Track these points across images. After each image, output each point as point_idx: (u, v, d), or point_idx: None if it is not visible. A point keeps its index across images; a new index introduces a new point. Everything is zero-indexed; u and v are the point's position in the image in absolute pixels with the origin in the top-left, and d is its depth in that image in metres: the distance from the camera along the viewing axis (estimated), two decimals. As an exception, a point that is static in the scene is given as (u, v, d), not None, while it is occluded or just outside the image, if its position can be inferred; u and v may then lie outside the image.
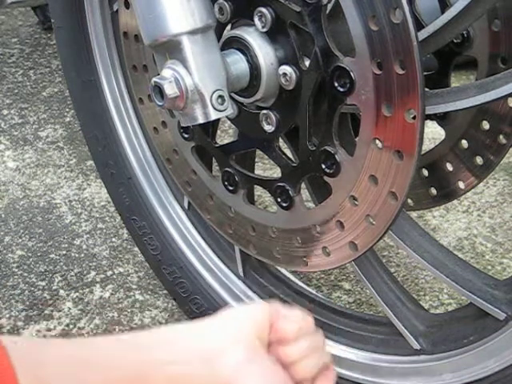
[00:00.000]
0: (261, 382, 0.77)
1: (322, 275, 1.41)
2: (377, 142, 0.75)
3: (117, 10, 1.05)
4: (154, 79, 0.78)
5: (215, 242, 1.18)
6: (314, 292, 1.12)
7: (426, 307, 1.02)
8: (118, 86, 1.20)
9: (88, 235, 1.55)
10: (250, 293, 1.13)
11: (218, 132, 1.72)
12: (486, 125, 1.05)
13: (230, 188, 0.94)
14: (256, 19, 0.81)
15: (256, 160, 1.05)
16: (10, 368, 0.61)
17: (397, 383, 0.95)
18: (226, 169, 0.94)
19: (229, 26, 0.86)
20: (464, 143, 1.08)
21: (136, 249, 1.36)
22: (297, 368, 0.80)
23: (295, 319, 0.82)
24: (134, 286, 1.41)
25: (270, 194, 0.90)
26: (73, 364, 0.69)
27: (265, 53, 0.81)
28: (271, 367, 0.78)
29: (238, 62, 0.82)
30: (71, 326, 1.32)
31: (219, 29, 0.83)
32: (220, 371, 0.76)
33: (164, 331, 0.81)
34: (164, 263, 1.23)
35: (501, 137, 1.04)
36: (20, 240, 1.53)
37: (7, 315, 1.34)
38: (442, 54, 1.04)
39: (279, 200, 0.88)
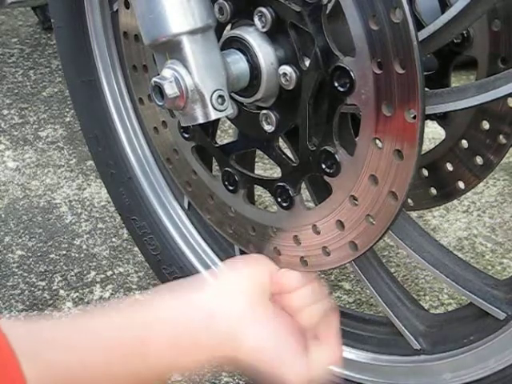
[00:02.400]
0: (263, 329, 0.78)
1: (322, 275, 1.41)
2: (377, 141, 0.75)
3: (117, 10, 1.05)
4: (154, 79, 0.78)
5: (215, 242, 1.18)
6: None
7: (426, 307, 1.02)
8: (117, 86, 1.20)
9: (88, 235, 1.55)
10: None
11: (218, 132, 1.72)
12: (485, 125, 1.05)
13: (230, 188, 0.94)
14: (256, 19, 0.81)
15: (256, 160, 1.05)
16: (13, 357, 0.61)
17: (397, 383, 0.95)
18: (226, 169, 0.94)
19: (229, 26, 0.86)
20: (464, 143, 1.08)
21: (136, 249, 1.36)
22: (300, 316, 0.82)
23: (293, 271, 0.83)
24: (134, 286, 1.41)
25: (270, 194, 0.90)
26: (72, 336, 0.69)
27: (265, 53, 0.81)
28: (274, 315, 0.79)
29: (238, 62, 0.82)
30: (71, 326, 1.31)
31: (219, 29, 0.82)
32: (220, 323, 0.76)
33: (163, 290, 0.82)
34: (164, 263, 1.23)
35: (501, 137, 1.04)
36: (20, 240, 1.53)
37: (7, 315, 1.34)
38: (442, 53, 1.04)
39: (279, 200, 0.88)
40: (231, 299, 0.78)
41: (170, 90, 0.77)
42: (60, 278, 1.43)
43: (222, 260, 1.18)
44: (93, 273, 1.45)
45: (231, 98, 0.84)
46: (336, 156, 0.80)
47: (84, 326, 0.71)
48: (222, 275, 0.83)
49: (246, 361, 0.78)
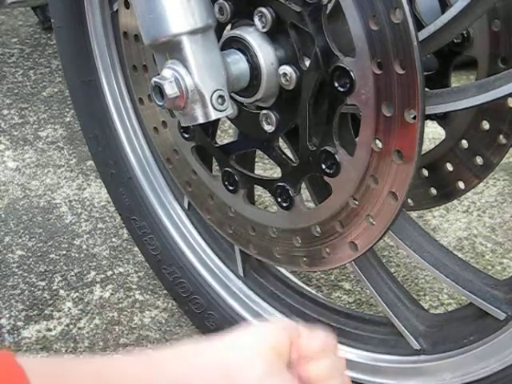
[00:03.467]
0: None
1: (322, 275, 1.41)
2: (377, 141, 0.75)
3: (117, 10, 1.05)
4: (154, 79, 0.78)
5: (215, 241, 1.18)
6: (313, 292, 1.12)
7: (426, 307, 1.02)
8: (117, 86, 1.20)
9: (88, 235, 1.55)
10: (249, 293, 1.13)
11: (218, 132, 1.72)
12: (485, 125, 1.05)
13: (230, 188, 0.94)
14: (256, 19, 0.81)
15: (256, 160, 1.05)
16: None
17: (397, 383, 0.95)
18: (226, 169, 0.94)
19: (229, 26, 0.86)
20: (464, 143, 1.08)
21: (136, 249, 1.36)
22: None
23: (318, 338, 0.80)
24: (134, 286, 1.41)
25: (270, 194, 0.90)
26: (89, 381, 0.68)
27: (265, 53, 0.81)
28: (291, 383, 0.78)
29: (238, 62, 0.82)
30: (71, 326, 1.32)
31: (219, 29, 0.83)
32: None
33: (183, 347, 0.80)
34: (164, 263, 1.23)
35: (501, 137, 1.04)
36: (20, 240, 1.53)
37: (7, 315, 1.34)
38: (442, 53, 1.04)
39: (279, 200, 0.88)
40: (251, 362, 0.76)
41: (170, 89, 0.77)
42: (60, 278, 1.43)
43: (221, 260, 1.18)
44: (93, 273, 1.45)
45: (231, 98, 0.84)
46: (336, 156, 0.80)
47: (109, 374, 0.71)
48: (242, 334, 0.81)
49: None
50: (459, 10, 0.75)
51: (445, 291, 1.37)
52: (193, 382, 0.73)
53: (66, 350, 1.27)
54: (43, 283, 1.42)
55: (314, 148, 0.82)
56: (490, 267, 1.42)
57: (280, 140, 0.88)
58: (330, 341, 0.82)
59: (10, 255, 1.49)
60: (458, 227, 1.54)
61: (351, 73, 0.74)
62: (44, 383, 0.63)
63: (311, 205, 0.90)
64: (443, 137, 1.11)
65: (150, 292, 1.40)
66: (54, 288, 1.41)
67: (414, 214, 1.52)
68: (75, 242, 1.53)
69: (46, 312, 1.35)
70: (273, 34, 0.81)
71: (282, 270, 1.14)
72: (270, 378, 0.75)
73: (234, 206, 0.96)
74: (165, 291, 1.34)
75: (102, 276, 1.44)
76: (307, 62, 0.79)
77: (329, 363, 0.80)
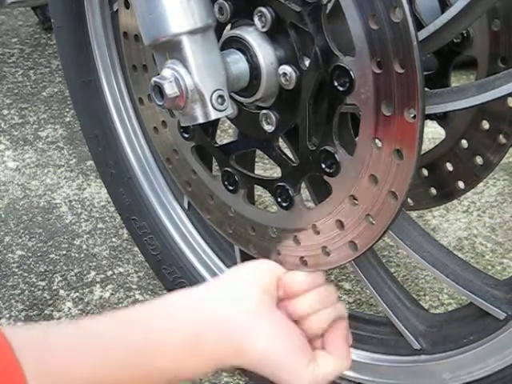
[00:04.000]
0: (271, 336, 0.76)
1: (322, 275, 1.41)
2: (377, 141, 0.75)
3: (117, 10, 1.05)
4: (154, 79, 0.78)
5: (215, 242, 1.18)
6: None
7: (426, 307, 1.02)
8: (117, 86, 1.20)
9: (88, 235, 1.55)
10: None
11: (218, 132, 1.72)
12: (485, 125, 1.05)
13: (230, 188, 0.94)
14: (256, 19, 0.81)
15: (256, 160, 1.05)
16: (15, 361, 0.61)
17: (397, 383, 0.95)
18: (226, 169, 0.94)
19: (229, 26, 0.86)
20: (464, 143, 1.08)
21: (136, 249, 1.36)
22: (307, 323, 0.79)
23: (303, 273, 0.81)
24: (134, 286, 1.41)
25: (270, 194, 0.90)
26: (78, 340, 0.68)
27: (265, 52, 0.81)
28: (281, 322, 0.77)
29: (238, 62, 0.82)
30: (71, 326, 1.31)
31: (219, 29, 0.82)
32: (228, 330, 0.75)
33: (169, 299, 0.80)
34: (164, 263, 1.23)
35: (501, 137, 1.04)
36: (20, 240, 1.53)
37: (7, 315, 1.34)
38: (441, 53, 1.04)
39: (279, 200, 0.88)
40: (240, 305, 0.77)
41: (170, 89, 0.77)
42: (60, 278, 1.43)
43: (221, 260, 1.18)
44: (93, 273, 1.45)
45: (231, 97, 0.84)
46: (336, 156, 0.80)
47: (91, 331, 0.70)
48: (230, 280, 0.81)
49: (252, 367, 0.77)
50: (459, 10, 0.75)
51: (445, 291, 1.37)
52: (186, 330, 0.74)
53: (65, 350, 1.26)
54: (43, 283, 1.42)
55: (314, 148, 0.82)
56: (490, 267, 1.42)
57: (280, 140, 0.88)
58: (315, 275, 0.82)
59: (9, 255, 1.49)
60: (457, 227, 1.54)
61: (351, 72, 0.74)
62: (27, 352, 0.63)
63: (311, 205, 0.90)
64: (443, 137, 1.11)
65: (149, 292, 1.40)
66: (53, 288, 1.41)
67: (413, 214, 1.52)
68: (75, 242, 1.53)
69: (45, 312, 1.35)
70: (272, 34, 0.81)
71: (282, 270, 1.14)
72: (260, 319, 0.76)
73: (233, 206, 0.96)
74: (165, 291, 1.34)
75: (102, 276, 1.44)
76: (307, 62, 0.79)
77: (315, 296, 0.80)
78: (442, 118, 1.09)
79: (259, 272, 0.81)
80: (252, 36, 0.82)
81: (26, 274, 1.44)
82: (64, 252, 1.50)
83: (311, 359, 0.78)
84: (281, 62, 0.81)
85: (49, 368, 0.64)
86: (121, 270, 1.45)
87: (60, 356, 0.66)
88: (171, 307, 0.77)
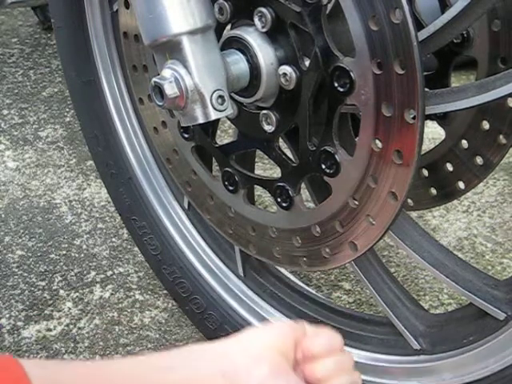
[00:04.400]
0: None
1: (322, 275, 1.42)
2: (377, 141, 0.75)
3: (117, 10, 1.05)
4: (154, 79, 0.78)
5: (215, 242, 1.18)
6: (313, 292, 1.12)
7: (426, 307, 1.02)
8: (117, 86, 1.20)
9: (88, 235, 1.55)
10: (249, 293, 1.13)
11: (218, 132, 1.72)
12: (485, 125, 1.05)
13: (230, 188, 0.94)
14: (256, 19, 0.81)
15: (256, 160, 1.05)
16: None
17: (397, 383, 0.95)
18: (226, 169, 0.94)
19: (229, 26, 0.86)
20: (464, 143, 1.08)
21: (136, 249, 1.36)
22: None
23: (322, 337, 0.80)
24: (134, 286, 1.41)
25: (270, 194, 0.90)
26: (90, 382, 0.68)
27: (265, 53, 0.81)
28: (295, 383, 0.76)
29: (238, 62, 0.82)
30: (71, 326, 1.32)
31: (219, 29, 0.82)
32: None
33: (186, 350, 0.79)
34: (164, 263, 1.23)
35: (501, 137, 1.04)
36: (20, 240, 1.53)
37: (7, 315, 1.34)
38: (442, 53, 1.04)
39: (279, 200, 0.88)
40: (256, 364, 0.75)
41: (170, 90, 0.77)
42: (60, 278, 1.43)
43: (221, 260, 1.18)
44: (93, 273, 1.45)
45: (231, 98, 0.84)
46: (336, 156, 0.80)
47: (102, 375, 0.70)
48: (247, 336, 0.81)
49: None
50: (459, 10, 0.75)
51: (445, 291, 1.37)
52: None
53: (65, 350, 1.27)
54: (43, 283, 1.42)
55: (314, 148, 0.82)
56: (490, 267, 1.42)
57: (280, 140, 0.88)
58: (335, 339, 0.82)
59: (9, 255, 1.49)
60: (458, 227, 1.54)
61: (351, 73, 0.74)
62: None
63: (311, 205, 0.90)
64: (443, 137, 1.11)
65: (149, 292, 1.40)
66: (54, 288, 1.41)
67: (414, 214, 1.52)
68: (75, 242, 1.53)
69: (46, 312, 1.35)
70: (273, 34, 0.81)
71: (282, 270, 1.14)
72: (274, 380, 0.75)
73: (233, 206, 0.96)
74: (165, 291, 1.34)
75: (102, 276, 1.44)
76: (307, 62, 0.79)
77: (334, 362, 0.79)
78: (442, 119, 1.09)
79: (278, 333, 0.80)
80: (252, 36, 0.82)
81: (26, 274, 1.44)
82: (64, 252, 1.50)
83: None
84: (281, 63, 0.81)
85: None
86: (121, 269, 1.45)
87: None
88: (192, 358, 0.76)
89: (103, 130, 1.23)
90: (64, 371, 0.68)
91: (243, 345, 0.78)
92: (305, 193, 0.90)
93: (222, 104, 0.78)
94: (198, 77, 0.77)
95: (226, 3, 0.84)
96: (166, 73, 0.78)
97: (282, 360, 0.77)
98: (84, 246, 1.52)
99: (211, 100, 0.78)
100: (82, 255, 1.49)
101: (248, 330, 0.82)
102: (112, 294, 1.40)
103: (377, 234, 0.80)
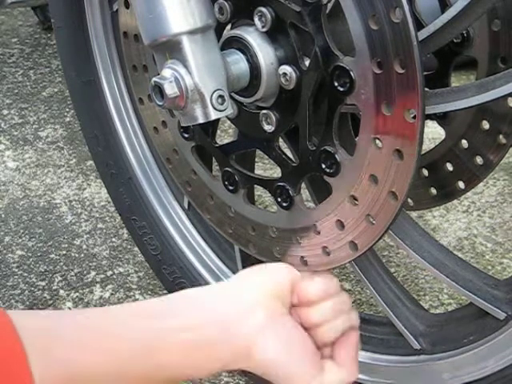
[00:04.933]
0: (280, 344, 0.75)
1: (322, 275, 1.41)
2: (377, 141, 0.75)
3: (117, 10, 1.05)
4: (154, 79, 0.78)
5: (215, 241, 1.18)
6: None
7: (426, 307, 1.02)
8: (117, 86, 1.20)
9: (88, 235, 1.55)
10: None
11: (218, 132, 1.72)
12: (485, 125, 1.05)
13: (230, 188, 0.94)
14: (256, 19, 0.81)
15: (256, 160, 1.05)
16: (21, 353, 0.60)
17: (397, 383, 0.95)
18: (226, 169, 0.94)
19: (229, 26, 0.86)
20: (464, 143, 1.08)
21: (136, 249, 1.36)
22: (318, 331, 0.78)
23: (318, 282, 0.80)
24: (134, 286, 1.41)
25: (270, 194, 0.90)
26: (86, 335, 0.68)
27: (265, 52, 0.81)
28: (292, 329, 0.76)
29: (238, 62, 0.82)
30: (71, 326, 1.31)
31: (219, 29, 0.82)
32: (237, 336, 0.74)
33: (178, 297, 0.79)
34: (164, 263, 1.23)
35: (501, 137, 1.04)
36: (20, 240, 1.53)
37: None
38: (442, 53, 1.04)
39: (279, 200, 0.88)
40: (251, 310, 0.74)
41: (170, 89, 0.77)
42: (60, 278, 1.43)
43: (221, 260, 1.18)
44: (93, 273, 1.45)
45: (231, 97, 0.84)
46: (336, 156, 0.80)
47: (102, 325, 0.70)
48: (242, 282, 0.80)
49: (259, 373, 0.76)
50: (459, 10, 0.75)
51: (445, 291, 1.37)
52: (190, 333, 0.72)
53: (65, 350, 1.26)
54: (43, 283, 1.42)
55: (314, 148, 0.82)
56: (490, 267, 1.42)
57: (280, 140, 0.88)
58: (331, 283, 0.82)
59: (9, 255, 1.49)
60: (458, 227, 1.54)
61: (351, 72, 0.74)
62: (36, 338, 0.63)
63: (311, 205, 0.90)
64: (443, 137, 1.11)
65: (149, 292, 1.40)
66: (53, 288, 1.41)
67: (414, 214, 1.52)
68: (75, 242, 1.53)
69: (45, 312, 1.35)
70: (273, 34, 0.81)
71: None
72: (270, 325, 0.75)
73: (233, 206, 0.96)
74: (165, 291, 1.34)
75: (102, 276, 1.44)
76: (307, 62, 0.79)
77: (330, 306, 0.79)
78: (442, 118, 1.09)
79: (274, 277, 0.79)
80: (252, 36, 0.82)
81: (26, 274, 1.44)
82: (64, 252, 1.50)
83: (319, 370, 0.77)
84: (281, 62, 0.81)
85: (57, 361, 0.64)
86: (121, 269, 1.45)
87: (67, 349, 0.65)
88: (185, 306, 0.76)
89: (103, 130, 1.23)
90: (60, 321, 0.68)
91: (237, 291, 0.77)
92: (305, 193, 0.90)
93: (222, 104, 0.78)
94: (198, 76, 0.77)
95: (225, 3, 0.84)
96: (166, 72, 0.78)
97: (278, 304, 0.76)
98: (84, 246, 1.52)
99: (211, 100, 0.78)
100: (82, 255, 1.49)
101: (243, 273, 0.81)
102: (112, 294, 1.40)
103: (377, 234, 0.80)
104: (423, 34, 0.77)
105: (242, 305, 0.75)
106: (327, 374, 0.78)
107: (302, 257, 0.88)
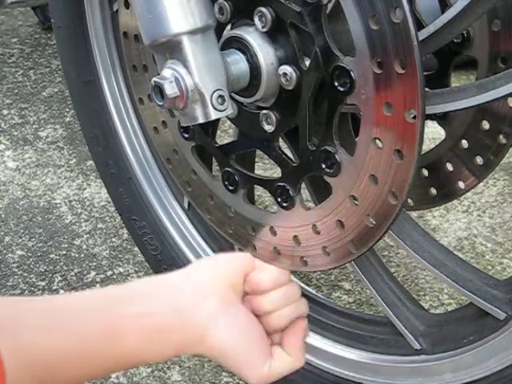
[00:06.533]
0: (231, 331, 0.79)
1: (322, 275, 1.42)
2: (377, 141, 0.75)
3: (117, 10, 1.05)
4: (154, 79, 0.78)
5: (215, 241, 1.18)
6: (313, 292, 1.12)
7: (426, 307, 1.02)
8: (117, 86, 1.20)
9: (88, 235, 1.55)
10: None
11: (218, 132, 1.72)
12: (485, 125, 1.05)
13: (230, 188, 0.94)
14: (256, 19, 0.81)
15: (256, 160, 1.05)
16: None
17: (397, 383, 0.95)
18: (226, 169, 0.94)
19: (229, 26, 0.86)
20: (464, 143, 1.08)
21: (136, 249, 1.36)
22: (269, 319, 0.83)
23: (269, 272, 0.84)
24: (134, 286, 1.41)
25: (270, 194, 0.90)
26: (50, 319, 0.70)
27: (265, 53, 0.81)
28: (244, 317, 0.81)
29: (238, 62, 0.82)
30: (71, 326, 1.31)
31: (219, 29, 0.82)
32: (193, 321, 0.78)
33: (139, 284, 0.84)
34: (164, 263, 1.23)
35: (501, 137, 1.04)
36: (20, 240, 1.53)
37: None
38: (442, 53, 1.04)
39: (279, 200, 0.88)
40: (205, 298, 0.79)
41: (170, 90, 0.77)
42: (60, 278, 1.43)
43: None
44: (93, 273, 1.45)
45: (231, 97, 0.84)
46: (336, 156, 0.80)
47: (63, 310, 0.72)
48: (198, 269, 0.84)
49: (214, 358, 0.81)
50: (459, 10, 0.75)
51: (445, 291, 1.37)
52: (150, 319, 0.75)
53: (65, 350, 1.27)
54: (43, 283, 1.42)
55: (314, 148, 0.82)
56: (490, 267, 1.42)
57: (280, 140, 0.88)
58: (282, 273, 0.86)
59: (9, 255, 1.49)
60: (458, 227, 1.54)
61: (351, 72, 0.74)
62: (2, 321, 0.65)
63: (311, 205, 0.90)
64: (443, 137, 1.11)
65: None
66: (54, 288, 1.41)
67: (414, 214, 1.52)
68: (75, 242, 1.53)
69: (45, 312, 1.35)
70: (273, 34, 0.81)
71: (282, 270, 1.13)
72: (222, 313, 0.79)
73: (233, 206, 0.96)
74: (165, 291, 1.34)
75: (102, 276, 1.44)
76: (307, 62, 0.79)
77: (281, 295, 0.84)
78: (442, 118, 1.09)
79: (228, 266, 0.84)
80: (252, 36, 0.82)
81: (26, 274, 1.44)
82: (64, 252, 1.50)
83: (268, 355, 0.82)
84: (281, 62, 0.81)
85: (23, 345, 0.66)
86: (121, 269, 1.45)
87: (32, 334, 0.67)
88: (145, 292, 0.79)
89: (103, 130, 1.23)
90: (25, 306, 0.70)
91: (193, 278, 0.81)
92: (305, 193, 0.90)
93: (222, 104, 0.78)
94: (198, 76, 0.77)
95: (226, 3, 0.84)
96: (166, 73, 0.78)
97: (231, 292, 0.81)
98: (84, 246, 1.52)
99: (211, 100, 0.78)
100: (82, 255, 1.49)
101: (199, 261, 0.85)
102: (112, 294, 1.40)
103: (377, 234, 0.80)
104: (423, 34, 0.77)
105: (197, 293, 0.79)
106: (276, 360, 0.82)
107: (302, 257, 0.88)
